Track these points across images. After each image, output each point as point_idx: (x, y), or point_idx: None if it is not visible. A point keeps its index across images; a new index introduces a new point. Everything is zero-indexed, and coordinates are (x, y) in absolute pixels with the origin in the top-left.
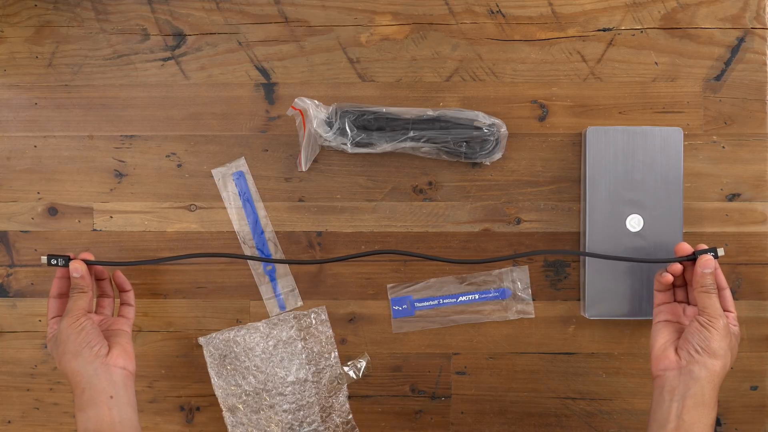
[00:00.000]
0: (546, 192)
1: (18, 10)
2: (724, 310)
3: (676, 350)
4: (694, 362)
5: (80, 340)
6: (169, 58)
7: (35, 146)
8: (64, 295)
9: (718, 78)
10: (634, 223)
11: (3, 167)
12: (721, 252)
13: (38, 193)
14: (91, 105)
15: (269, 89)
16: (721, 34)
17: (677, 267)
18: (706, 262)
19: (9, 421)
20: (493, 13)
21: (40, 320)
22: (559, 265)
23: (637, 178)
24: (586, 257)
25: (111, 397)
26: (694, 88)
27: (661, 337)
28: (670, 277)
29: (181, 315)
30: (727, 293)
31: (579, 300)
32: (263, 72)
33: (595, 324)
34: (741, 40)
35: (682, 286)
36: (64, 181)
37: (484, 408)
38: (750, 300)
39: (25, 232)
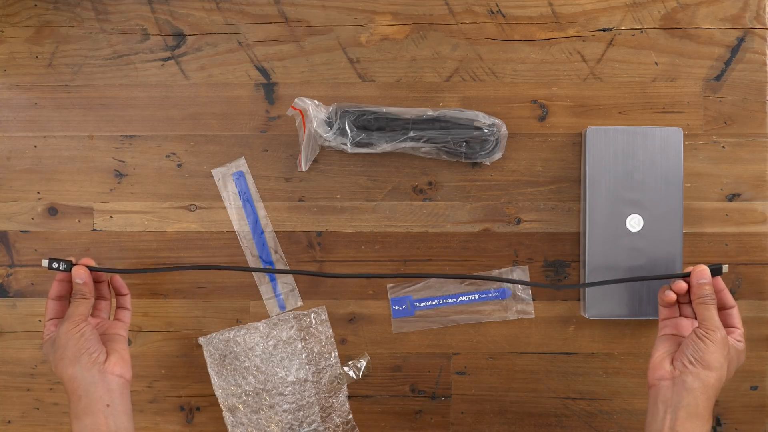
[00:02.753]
0: (546, 192)
1: (18, 10)
2: (729, 326)
3: (672, 361)
4: (687, 373)
5: (79, 346)
6: (169, 58)
7: (35, 146)
8: (64, 298)
9: (718, 78)
10: (634, 223)
11: (3, 167)
12: (725, 268)
13: (38, 193)
14: (91, 105)
15: (269, 89)
16: (721, 34)
17: (682, 286)
18: (701, 272)
19: (9, 421)
20: (493, 13)
21: (39, 320)
22: (559, 265)
23: (637, 178)
24: (586, 256)
25: (107, 405)
26: (694, 88)
27: (661, 348)
28: (673, 296)
29: (181, 315)
30: (734, 311)
31: (579, 300)
32: (263, 72)
33: (595, 324)
34: (741, 40)
35: (688, 303)
36: (64, 181)
37: (484, 408)
38: (750, 300)
39: (25, 232)
